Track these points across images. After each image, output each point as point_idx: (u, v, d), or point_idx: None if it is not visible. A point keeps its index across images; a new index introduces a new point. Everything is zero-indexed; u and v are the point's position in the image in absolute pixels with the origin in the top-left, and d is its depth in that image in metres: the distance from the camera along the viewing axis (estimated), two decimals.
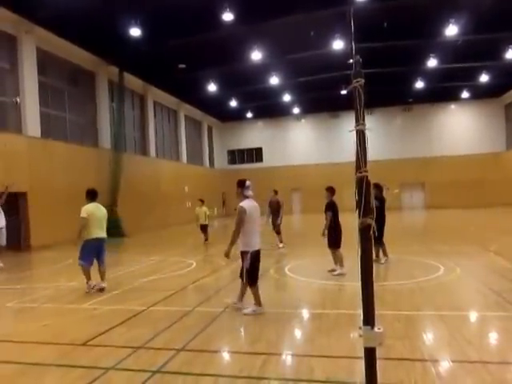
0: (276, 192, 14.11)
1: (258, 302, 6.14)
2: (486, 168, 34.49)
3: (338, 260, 8.67)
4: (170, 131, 30.95)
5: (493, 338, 5.14)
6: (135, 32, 17.45)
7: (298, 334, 5.48)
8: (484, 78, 28.42)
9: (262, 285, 8.42)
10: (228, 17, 16.88)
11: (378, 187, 9.77)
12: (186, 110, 32.67)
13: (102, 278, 8.16)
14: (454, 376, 3.95)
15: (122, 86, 22.74)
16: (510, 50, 22.83)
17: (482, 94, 33.68)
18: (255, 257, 6.05)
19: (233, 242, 6.05)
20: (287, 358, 4.56)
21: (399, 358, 4.25)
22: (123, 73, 22.69)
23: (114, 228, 20.64)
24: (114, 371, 4.25)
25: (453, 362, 4.23)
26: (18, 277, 10.64)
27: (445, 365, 4.19)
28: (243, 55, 21.68)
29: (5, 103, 16.39)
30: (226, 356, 4.77)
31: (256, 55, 21.42)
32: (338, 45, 20.56)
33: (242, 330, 5.69)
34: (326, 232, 8.71)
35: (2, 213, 11.78)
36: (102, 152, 21.26)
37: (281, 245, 13.26)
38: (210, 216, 16.09)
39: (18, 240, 16.22)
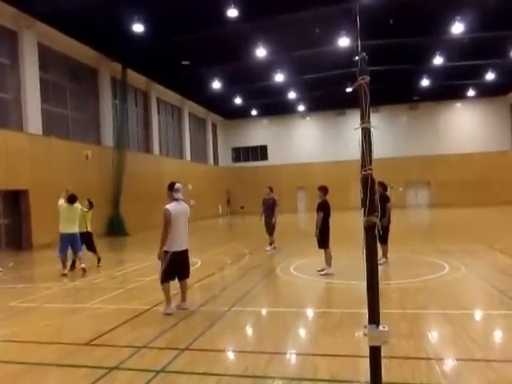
0: (271, 189, 13.27)
1: (167, 301, 6.22)
2: (491, 166, 34.23)
3: (327, 259, 8.66)
4: (173, 128, 30.95)
5: (497, 336, 5.12)
6: (138, 28, 17.36)
7: (302, 332, 5.47)
8: (490, 76, 28.21)
9: (268, 284, 8.49)
10: (232, 13, 16.80)
11: (383, 186, 9.68)
12: (189, 107, 32.67)
13: (77, 263, 10.05)
14: (459, 374, 3.94)
15: (124, 82, 22.69)
16: None
17: (488, 93, 33.46)
18: (175, 257, 6.14)
19: (162, 244, 6.17)
20: (292, 357, 4.56)
21: (404, 357, 4.24)
22: (126, 69, 22.65)
23: (117, 226, 20.68)
24: (117, 371, 4.24)
25: (458, 360, 4.22)
26: (20, 276, 10.62)
27: (450, 363, 4.18)
28: (248, 52, 21.59)
29: (6, 100, 16.35)
30: (230, 355, 4.76)
31: (261, 52, 21.33)
32: (343, 42, 20.44)
33: (246, 328, 5.69)
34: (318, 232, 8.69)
35: None
36: (104, 150, 21.24)
37: (269, 247, 12.63)
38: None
39: (19, 239, 16.19)
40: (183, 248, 6.28)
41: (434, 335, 5.06)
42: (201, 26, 17.95)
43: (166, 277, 6.21)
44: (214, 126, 38.76)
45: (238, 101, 32.11)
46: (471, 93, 33.59)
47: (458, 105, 36.53)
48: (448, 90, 31.70)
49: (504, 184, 32.14)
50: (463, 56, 23.52)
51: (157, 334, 5.28)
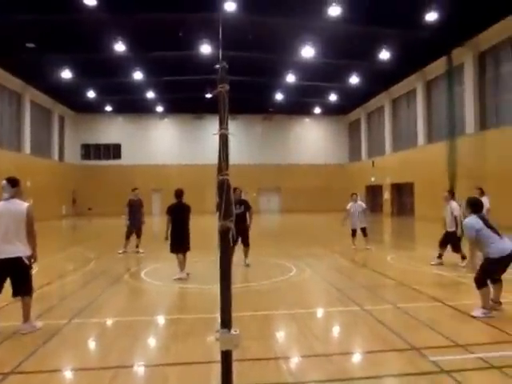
0: (136, 190, 12.88)
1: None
2: (332, 177, 38.77)
3: (178, 264, 8.54)
4: (10, 116, 27.23)
5: (336, 331, 5.61)
6: None
7: (152, 342, 5.18)
8: (333, 97, 32.11)
9: (116, 291, 7.88)
10: (90, 1, 15.66)
11: (236, 191, 10.01)
12: (32, 95, 29.21)
13: None
14: (303, 370, 4.18)
15: None
16: (353, 76, 26.36)
17: (331, 112, 38.04)
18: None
19: None
20: (139, 369, 4.26)
21: (254, 359, 4.31)
22: None
23: None
24: None
25: (302, 357, 4.48)
26: None
27: (295, 361, 4.42)
28: (105, 45, 20.37)
29: None
30: (67, 375, 4.22)
31: (119, 47, 20.31)
32: (205, 49, 20.85)
33: (89, 343, 5.14)
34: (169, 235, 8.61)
35: None
36: None
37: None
38: None
39: None
40: (6, 256, 5.11)
41: (281, 335, 5.30)
42: (53, 8, 16.31)
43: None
44: (62, 119, 35.40)
45: (91, 94, 30.00)
46: (318, 110, 37.58)
47: (307, 120, 40.40)
48: (298, 105, 34.91)
49: (342, 193, 36.22)
50: (312, 77, 26.20)
51: None
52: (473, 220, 5.73)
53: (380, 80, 27.75)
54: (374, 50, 21.59)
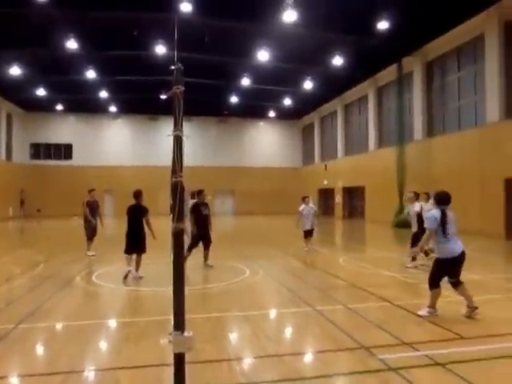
0: (93, 191, 12.67)
1: None
2: (287, 180, 39.30)
3: (127, 262, 8.49)
4: None
5: (288, 332, 5.71)
6: None
7: (103, 345, 5.08)
8: (287, 101, 32.63)
9: (66, 295, 7.64)
10: None
11: (202, 193, 10.03)
12: None
13: None
14: (255, 371, 4.24)
15: None
16: (307, 81, 26.87)
17: (285, 116, 38.64)
18: None
19: None
20: (90, 374, 4.18)
21: (207, 361, 4.34)
22: None
23: None
24: None
25: (254, 358, 4.54)
26: None
27: (248, 362, 4.47)
28: (57, 41, 19.62)
29: None
30: (14, 381, 4.08)
31: (71, 44, 19.64)
32: (160, 49, 20.57)
33: (38, 348, 4.98)
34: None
35: None
36: None
37: (91, 252, 12.01)
38: None
39: None
40: None
41: (234, 336, 5.36)
42: (1, 1, 15.53)
43: None
44: (10, 117, 33.68)
45: (41, 92, 28.73)
46: (272, 114, 38.03)
47: (262, 123, 40.80)
48: (253, 109, 35.19)
49: (296, 196, 36.73)
50: (267, 81, 26.52)
51: None
52: (435, 212, 5.82)
53: (333, 85, 28.47)
54: (327, 55, 22.15)
